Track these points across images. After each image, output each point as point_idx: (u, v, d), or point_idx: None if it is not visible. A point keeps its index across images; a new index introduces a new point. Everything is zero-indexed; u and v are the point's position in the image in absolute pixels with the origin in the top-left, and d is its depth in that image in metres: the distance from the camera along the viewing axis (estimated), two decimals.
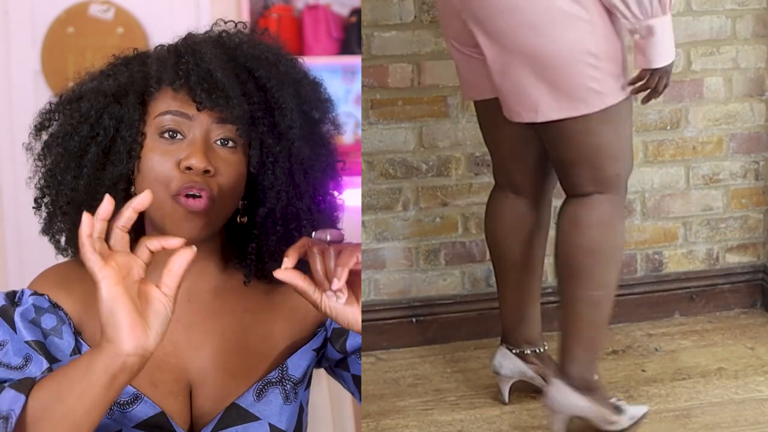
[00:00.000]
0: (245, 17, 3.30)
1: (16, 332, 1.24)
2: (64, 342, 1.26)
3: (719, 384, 2.32)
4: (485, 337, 2.50)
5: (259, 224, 1.31)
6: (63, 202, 1.29)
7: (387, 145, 2.48)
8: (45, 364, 1.22)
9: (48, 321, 1.27)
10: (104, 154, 1.27)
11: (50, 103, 1.33)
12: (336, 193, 1.38)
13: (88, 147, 1.27)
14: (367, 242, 2.52)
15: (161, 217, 1.25)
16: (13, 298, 1.29)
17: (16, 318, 1.25)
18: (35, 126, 1.32)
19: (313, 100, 1.34)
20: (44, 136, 1.32)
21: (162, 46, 1.32)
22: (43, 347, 1.24)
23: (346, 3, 3.47)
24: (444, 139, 2.51)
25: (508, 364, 2.19)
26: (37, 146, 1.32)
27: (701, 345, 2.54)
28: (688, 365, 2.42)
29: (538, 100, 1.90)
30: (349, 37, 3.41)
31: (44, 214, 1.33)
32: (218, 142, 1.26)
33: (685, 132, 2.64)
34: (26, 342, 1.24)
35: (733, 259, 2.73)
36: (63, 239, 1.33)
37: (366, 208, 2.49)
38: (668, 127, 2.61)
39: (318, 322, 1.37)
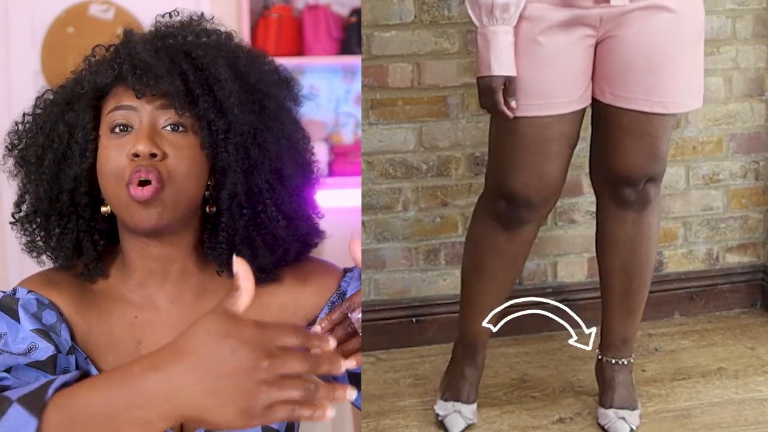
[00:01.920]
0: (245, 17, 3.30)
1: (19, 323, 1.24)
2: (62, 339, 1.26)
3: (719, 384, 2.32)
4: None
5: (225, 210, 1.31)
6: (29, 211, 1.31)
7: (387, 145, 2.48)
8: (52, 350, 1.22)
9: (48, 317, 1.27)
10: (61, 160, 1.29)
11: (16, 123, 1.35)
12: (308, 172, 1.38)
13: (45, 155, 1.29)
14: (367, 242, 2.52)
15: (118, 208, 1.27)
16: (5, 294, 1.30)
17: (20, 309, 1.25)
18: (6, 147, 1.35)
19: (256, 73, 1.34)
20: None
21: (106, 45, 1.34)
22: (47, 336, 1.24)
23: (346, 3, 3.48)
24: (444, 139, 2.51)
25: None
26: (11, 166, 1.35)
27: (701, 345, 2.54)
28: (688, 365, 2.42)
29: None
30: (349, 37, 3.41)
31: (19, 230, 1.35)
32: (168, 128, 1.27)
33: (685, 132, 2.64)
34: (31, 330, 1.23)
35: (733, 259, 2.73)
36: (44, 257, 1.35)
37: (366, 208, 2.49)
38: None
39: (308, 319, 1.37)
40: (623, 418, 2.12)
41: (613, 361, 2.16)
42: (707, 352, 2.49)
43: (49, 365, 1.21)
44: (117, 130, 1.27)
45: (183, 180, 1.26)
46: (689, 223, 2.69)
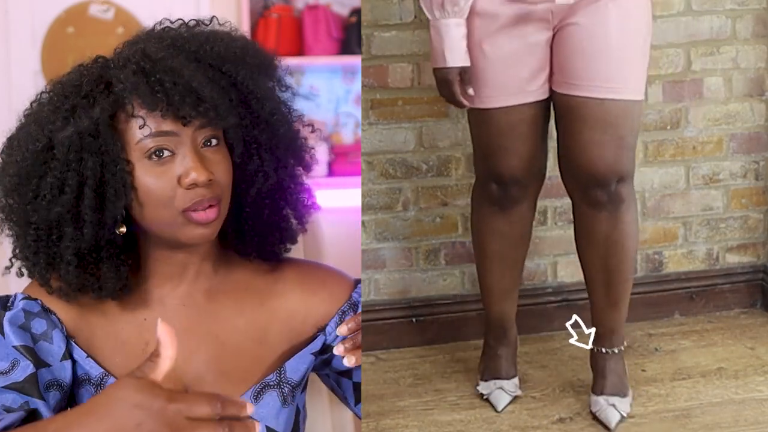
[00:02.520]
0: (245, 17, 3.30)
1: (4, 337, 1.23)
2: (54, 347, 1.25)
3: (719, 384, 2.32)
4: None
5: (250, 203, 1.33)
6: (68, 255, 1.23)
7: (387, 145, 2.48)
8: (30, 369, 1.21)
9: (38, 326, 1.26)
10: (98, 194, 1.22)
11: (25, 158, 1.23)
12: (306, 149, 1.40)
13: (82, 194, 1.21)
14: (367, 242, 2.52)
15: (173, 233, 1.25)
16: (6, 302, 1.29)
17: (5, 323, 1.24)
18: (10, 187, 1.24)
19: (279, 79, 1.35)
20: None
21: (124, 66, 1.24)
22: (31, 352, 1.23)
23: (346, 3, 3.48)
24: (444, 139, 2.51)
25: None
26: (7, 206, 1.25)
27: (701, 345, 2.53)
28: (688, 365, 2.42)
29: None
30: (349, 37, 3.41)
31: (38, 270, 1.27)
32: (203, 145, 1.24)
33: (685, 132, 2.64)
34: (14, 347, 1.22)
35: (733, 259, 2.73)
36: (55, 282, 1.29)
37: (366, 208, 2.49)
38: (668, 127, 2.61)
39: (317, 326, 1.37)
40: (613, 405, 2.16)
41: (604, 351, 2.20)
42: (707, 352, 2.49)
43: (28, 385, 1.20)
44: (153, 156, 1.21)
45: (227, 192, 1.28)
46: (689, 223, 2.69)
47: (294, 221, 1.39)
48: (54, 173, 1.21)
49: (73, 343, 1.28)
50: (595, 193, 2.01)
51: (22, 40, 3.26)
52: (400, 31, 2.44)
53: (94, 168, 1.21)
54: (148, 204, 1.22)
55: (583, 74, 1.94)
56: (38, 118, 1.25)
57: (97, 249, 1.25)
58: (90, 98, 1.22)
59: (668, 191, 2.65)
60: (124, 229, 1.26)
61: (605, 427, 2.13)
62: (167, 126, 1.21)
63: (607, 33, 1.92)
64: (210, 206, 1.23)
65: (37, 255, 1.26)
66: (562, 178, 2.07)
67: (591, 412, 2.17)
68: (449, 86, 1.95)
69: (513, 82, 1.96)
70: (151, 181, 1.21)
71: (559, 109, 2.01)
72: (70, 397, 1.30)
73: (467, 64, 1.93)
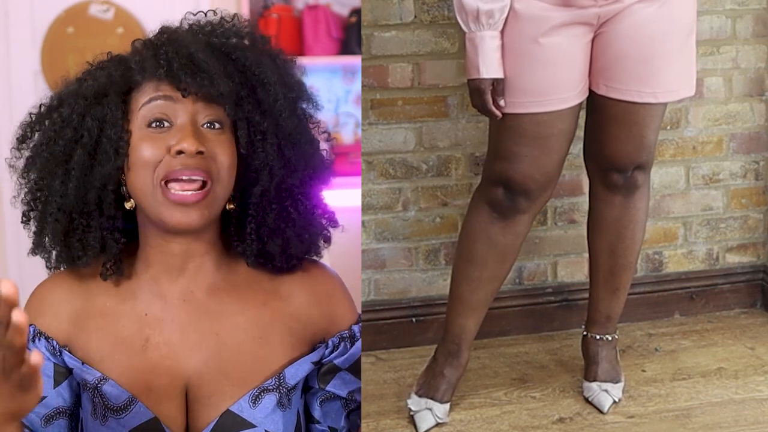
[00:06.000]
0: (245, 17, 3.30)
1: None
2: (43, 377, 1.25)
3: (719, 384, 2.32)
4: (485, 337, 2.50)
5: (255, 204, 1.31)
6: (53, 209, 1.28)
7: (387, 145, 2.48)
8: None
9: None
10: (90, 156, 1.27)
11: (30, 114, 1.33)
12: (325, 167, 1.39)
13: (74, 150, 1.27)
14: (367, 242, 2.52)
15: (151, 206, 1.26)
16: None
17: None
18: (17, 138, 1.32)
19: (290, 77, 1.35)
20: (26, 152, 1.32)
21: (138, 40, 1.33)
22: None
23: (346, 3, 3.48)
24: (444, 139, 2.51)
25: None
26: (20, 162, 1.32)
27: (701, 345, 2.54)
28: (688, 365, 2.42)
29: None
30: (349, 37, 3.41)
31: (33, 230, 1.32)
32: (206, 126, 1.27)
33: (685, 132, 2.64)
34: None
35: (733, 259, 2.73)
36: (53, 255, 1.33)
37: (366, 208, 2.49)
38: (668, 127, 2.61)
39: (317, 334, 1.36)
40: (606, 391, 2.20)
41: (598, 337, 2.24)
42: (707, 352, 2.49)
43: None
44: (154, 125, 1.26)
45: (227, 177, 1.27)
46: (689, 223, 2.69)
47: (305, 234, 1.35)
48: (54, 127, 1.28)
49: (67, 354, 1.30)
50: (613, 176, 2.08)
51: (22, 40, 3.27)
52: (400, 31, 2.44)
53: (91, 130, 1.26)
54: (136, 167, 1.25)
55: (621, 78, 1.95)
56: (65, 83, 1.33)
57: (83, 214, 1.28)
58: (103, 68, 1.30)
59: (668, 191, 2.65)
60: (132, 204, 1.28)
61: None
62: (166, 91, 1.26)
63: (647, 37, 1.92)
64: (191, 181, 1.23)
65: (30, 211, 1.31)
66: (584, 158, 2.14)
67: (584, 397, 2.22)
68: (482, 96, 1.92)
69: (553, 87, 1.92)
70: (145, 145, 1.25)
71: (591, 104, 2.03)
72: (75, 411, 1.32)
73: (500, 75, 1.89)
